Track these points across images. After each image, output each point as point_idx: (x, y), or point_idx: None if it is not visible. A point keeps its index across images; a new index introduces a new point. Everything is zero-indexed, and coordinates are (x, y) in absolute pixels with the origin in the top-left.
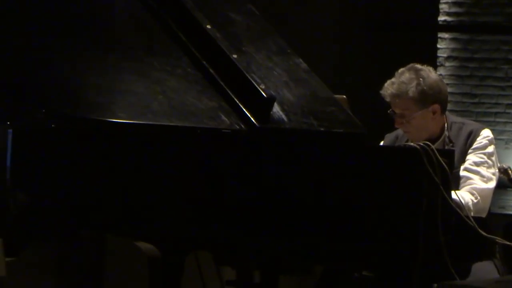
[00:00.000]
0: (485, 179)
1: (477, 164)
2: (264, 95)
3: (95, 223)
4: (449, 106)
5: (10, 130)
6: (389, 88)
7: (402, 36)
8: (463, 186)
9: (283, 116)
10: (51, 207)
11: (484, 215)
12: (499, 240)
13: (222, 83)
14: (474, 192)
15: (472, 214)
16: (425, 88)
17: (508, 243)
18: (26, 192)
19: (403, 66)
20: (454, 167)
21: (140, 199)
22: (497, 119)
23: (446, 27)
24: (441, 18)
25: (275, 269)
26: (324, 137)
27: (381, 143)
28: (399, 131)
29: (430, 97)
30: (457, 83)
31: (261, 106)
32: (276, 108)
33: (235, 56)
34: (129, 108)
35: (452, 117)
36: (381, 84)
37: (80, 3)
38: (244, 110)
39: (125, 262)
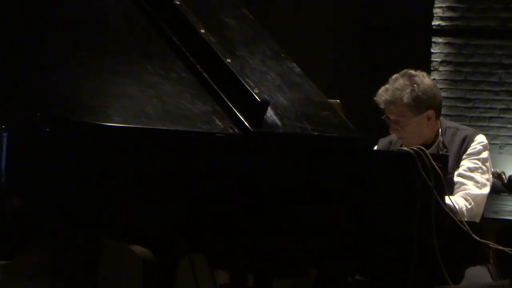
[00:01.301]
0: (479, 185)
1: (471, 170)
2: (258, 99)
3: (89, 226)
4: (443, 111)
5: (5, 134)
6: (383, 94)
7: (396, 41)
8: (457, 192)
9: (277, 120)
10: (46, 210)
11: (477, 220)
12: (492, 244)
13: (216, 87)
14: (468, 198)
15: (465, 219)
16: (419, 94)
17: (500, 247)
18: (20, 195)
19: (397, 70)
20: (448, 172)
21: (134, 203)
22: (491, 124)
23: (440, 31)
24: (435, 22)
25: (269, 272)
26: (318, 141)
27: (375, 148)
28: (393, 136)
29: (424, 103)
30: (451, 88)
31: (255, 110)
32: (270, 112)
33: (229, 60)
34: (123, 112)
35: (446, 122)
36: (375, 89)
37: (75, 7)
38: (238, 114)
39: (119, 265)
